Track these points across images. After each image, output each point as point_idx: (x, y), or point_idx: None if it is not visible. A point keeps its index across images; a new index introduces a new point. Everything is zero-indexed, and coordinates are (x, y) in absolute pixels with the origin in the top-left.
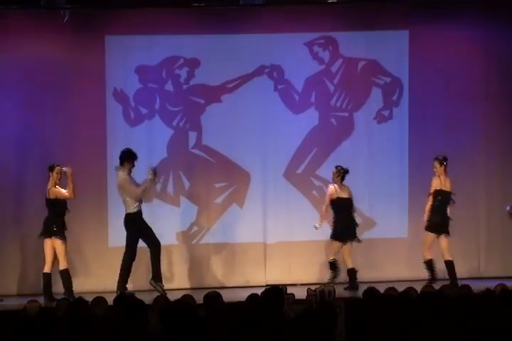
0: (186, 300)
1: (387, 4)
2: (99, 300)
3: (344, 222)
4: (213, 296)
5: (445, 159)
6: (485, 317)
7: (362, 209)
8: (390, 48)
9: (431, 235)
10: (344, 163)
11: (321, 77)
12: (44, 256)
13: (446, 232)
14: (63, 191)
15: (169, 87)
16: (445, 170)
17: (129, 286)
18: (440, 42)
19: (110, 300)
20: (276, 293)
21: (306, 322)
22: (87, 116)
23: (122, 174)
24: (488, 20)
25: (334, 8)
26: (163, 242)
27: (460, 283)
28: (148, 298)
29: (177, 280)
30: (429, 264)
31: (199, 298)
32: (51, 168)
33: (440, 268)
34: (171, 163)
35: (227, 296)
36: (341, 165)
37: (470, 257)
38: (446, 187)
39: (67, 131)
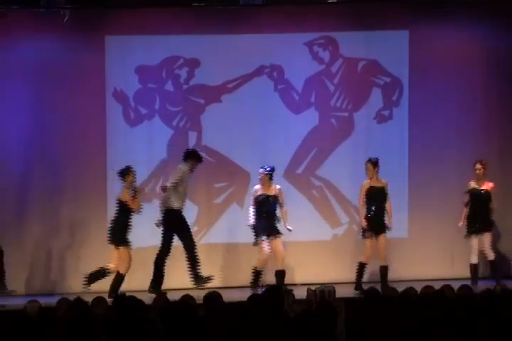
0: (186, 300)
1: (387, 4)
2: (99, 300)
3: (264, 220)
4: (213, 296)
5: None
6: (485, 317)
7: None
8: (390, 48)
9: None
10: (344, 163)
11: (321, 77)
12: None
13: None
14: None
15: (169, 87)
16: (377, 171)
17: (129, 286)
18: (440, 42)
19: (110, 300)
20: (276, 293)
21: (306, 322)
22: (87, 116)
23: (184, 167)
24: (488, 20)
25: (334, 8)
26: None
27: (460, 283)
28: (148, 298)
29: (177, 280)
30: (360, 267)
31: (199, 298)
32: (127, 172)
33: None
34: (170, 163)
35: (227, 296)
36: (269, 165)
37: (470, 257)
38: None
39: (67, 131)
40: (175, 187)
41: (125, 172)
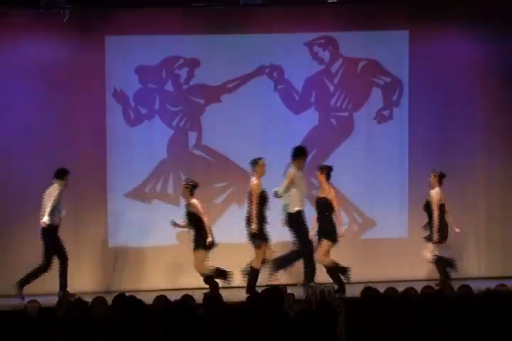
0: (186, 300)
1: (387, 4)
2: (99, 300)
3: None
4: (213, 296)
5: (328, 168)
6: (485, 317)
7: (362, 209)
8: (390, 48)
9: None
10: (344, 163)
11: (321, 77)
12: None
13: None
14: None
15: (169, 87)
16: (327, 179)
17: (129, 286)
18: (440, 42)
19: (110, 300)
20: (276, 293)
21: (306, 322)
22: (87, 116)
23: (292, 169)
24: (488, 21)
25: (334, 8)
26: (163, 242)
27: (460, 283)
28: (148, 298)
29: (177, 280)
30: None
31: (199, 298)
32: (258, 161)
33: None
34: (171, 163)
35: (227, 296)
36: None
37: (470, 257)
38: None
39: (67, 131)
40: (287, 190)
41: (256, 162)
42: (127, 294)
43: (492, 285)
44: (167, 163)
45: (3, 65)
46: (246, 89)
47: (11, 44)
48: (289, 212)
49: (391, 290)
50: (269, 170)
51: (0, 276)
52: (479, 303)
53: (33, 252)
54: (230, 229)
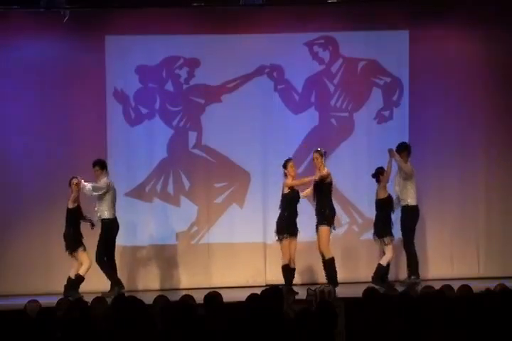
0: (186, 300)
1: (387, 4)
2: (99, 300)
3: None
4: (213, 296)
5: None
6: (485, 317)
7: (362, 209)
8: (390, 48)
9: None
10: (344, 164)
11: (321, 77)
12: None
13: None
14: None
15: (169, 87)
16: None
17: (130, 286)
18: (440, 42)
19: (110, 300)
20: (276, 293)
21: (306, 322)
22: (87, 116)
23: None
24: (488, 21)
25: (334, 8)
26: (163, 242)
27: (460, 283)
28: (148, 298)
29: (177, 280)
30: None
31: (199, 298)
32: (288, 161)
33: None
34: (171, 163)
35: (227, 296)
36: None
37: (470, 257)
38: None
39: (67, 130)
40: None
41: (287, 164)
42: (127, 294)
43: (492, 285)
44: (167, 162)
45: (3, 65)
46: (246, 89)
47: (11, 44)
48: (402, 205)
49: (391, 290)
50: (268, 170)
51: (0, 276)
52: (479, 303)
53: (33, 252)
54: (230, 229)
